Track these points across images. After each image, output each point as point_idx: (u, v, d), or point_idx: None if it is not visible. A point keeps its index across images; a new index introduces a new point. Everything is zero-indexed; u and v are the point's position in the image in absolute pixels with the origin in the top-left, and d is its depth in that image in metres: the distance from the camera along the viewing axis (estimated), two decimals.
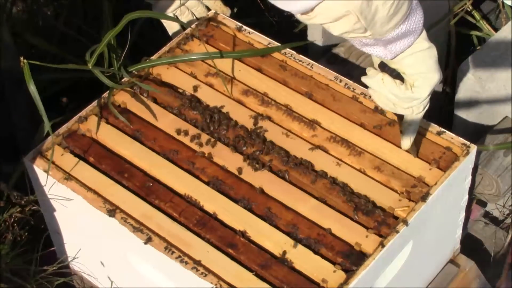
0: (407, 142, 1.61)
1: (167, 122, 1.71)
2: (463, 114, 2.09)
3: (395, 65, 1.52)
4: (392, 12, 1.39)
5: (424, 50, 1.49)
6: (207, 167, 1.63)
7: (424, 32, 1.48)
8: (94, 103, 1.75)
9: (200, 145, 1.66)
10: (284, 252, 1.49)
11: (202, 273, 1.47)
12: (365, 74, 1.59)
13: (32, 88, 1.70)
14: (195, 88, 1.77)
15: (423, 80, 1.52)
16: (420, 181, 1.58)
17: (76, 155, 1.68)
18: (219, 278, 1.47)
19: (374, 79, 1.57)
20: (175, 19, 1.86)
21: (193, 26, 1.88)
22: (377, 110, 1.70)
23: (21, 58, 1.68)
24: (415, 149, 1.63)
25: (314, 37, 2.28)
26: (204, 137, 1.67)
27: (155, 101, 1.75)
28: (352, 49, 2.15)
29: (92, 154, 1.67)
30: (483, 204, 2.03)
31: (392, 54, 1.48)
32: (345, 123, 1.68)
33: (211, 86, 1.77)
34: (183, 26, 1.89)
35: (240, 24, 1.87)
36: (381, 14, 1.38)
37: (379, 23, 1.39)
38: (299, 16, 1.39)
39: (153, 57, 1.82)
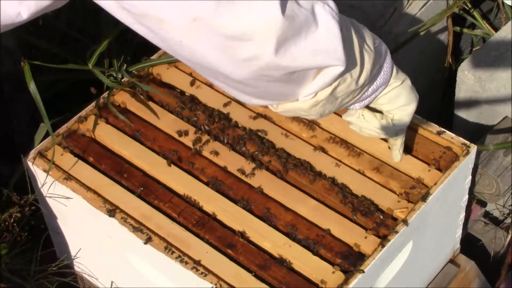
0: (397, 156, 1.60)
1: (166, 122, 1.71)
2: (463, 114, 2.09)
3: (371, 105, 1.52)
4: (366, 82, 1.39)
5: (397, 87, 1.48)
6: (207, 168, 1.63)
7: (395, 70, 1.46)
8: (94, 103, 1.75)
9: (200, 145, 1.66)
10: (283, 253, 1.49)
11: (202, 273, 1.48)
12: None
13: (33, 88, 1.70)
14: (195, 88, 1.77)
15: (401, 112, 1.52)
16: (419, 182, 1.58)
17: (76, 155, 1.68)
18: (219, 278, 1.47)
19: (355, 116, 1.55)
20: None
21: None
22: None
23: (22, 58, 1.68)
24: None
25: None
26: (204, 137, 1.67)
27: (154, 101, 1.75)
28: None
29: (91, 154, 1.67)
30: (483, 204, 2.03)
31: (360, 105, 1.49)
32: (344, 123, 1.68)
33: (211, 86, 1.77)
34: None
35: None
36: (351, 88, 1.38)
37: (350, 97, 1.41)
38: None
39: (153, 57, 1.82)
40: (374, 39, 1.38)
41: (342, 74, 1.31)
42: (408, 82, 1.50)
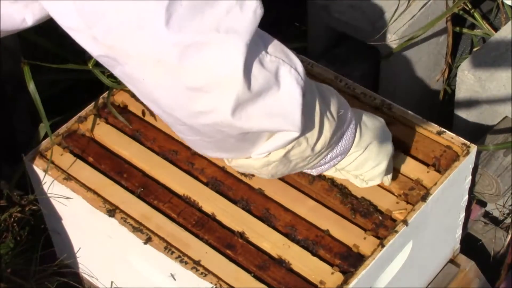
0: (387, 181, 1.57)
1: None
2: (463, 114, 2.09)
3: (338, 167, 1.49)
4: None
5: (362, 154, 1.46)
6: (206, 168, 1.63)
7: (357, 138, 1.43)
8: (94, 103, 1.75)
9: None
10: (282, 253, 1.49)
11: (202, 273, 1.48)
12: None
13: (32, 88, 1.70)
14: None
15: (371, 174, 1.50)
16: (418, 184, 1.58)
17: (75, 155, 1.68)
18: (219, 278, 1.47)
19: (331, 171, 1.53)
20: None
21: None
22: (377, 110, 1.70)
23: (22, 59, 1.68)
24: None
25: (314, 38, 2.28)
26: None
27: None
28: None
29: (91, 154, 1.67)
30: (483, 204, 2.03)
31: (318, 171, 1.47)
32: None
33: None
34: None
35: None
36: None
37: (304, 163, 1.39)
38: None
39: None
40: (340, 106, 1.35)
41: (296, 139, 1.29)
42: (374, 144, 1.46)
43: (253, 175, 1.60)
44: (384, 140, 1.49)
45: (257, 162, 1.32)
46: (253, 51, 1.14)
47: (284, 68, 1.18)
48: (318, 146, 1.34)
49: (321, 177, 1.59)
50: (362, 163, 1.47)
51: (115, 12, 1.07)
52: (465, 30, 2.40)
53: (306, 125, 1.27)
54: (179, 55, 1.09)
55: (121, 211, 1.57)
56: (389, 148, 1.50)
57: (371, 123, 1.47)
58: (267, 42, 1.19)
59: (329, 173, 1.53)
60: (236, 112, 1.17)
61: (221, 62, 1.11)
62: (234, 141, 1.26)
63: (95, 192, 1.60)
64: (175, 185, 1.61)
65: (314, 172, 1.48)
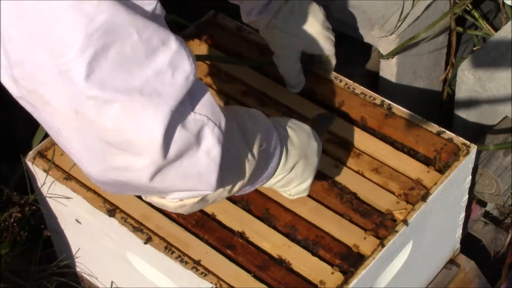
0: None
1: None
2: (463, 114, 2.09)
3: None
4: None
5: (287, 176, 1.41)
6: None
7: (282, 163, 1.37)
8: None
9: None
10: (282, 253, 1.49)
11: (202, 272, 1.48)
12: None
13: None
14: None
15: (297, 189, 1.47)
16: (418, 184, 1.58)
17: None
18: (219, 278, 1.47)
19: None
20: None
21: (192, 26, 1.88)
22: (377, 109, 1.70)
23: None
24: None
25: None
26: None
27: None
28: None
29: None
30: (483, 204, 2.03)
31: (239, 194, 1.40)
32: (343, 124, 1.68)
33: (210, 86, 1.77)
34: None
35: (240, 24, 1.87)
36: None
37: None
38: None
39: None
40: (263, 139, 1.30)
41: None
42: (300, 163, 1.41)
43: None
44: (310, 154, 1.43)
45: (171, 204, 1.26)
46: (177, 114, 1.09)
47: (207, 128, 1.13)
48: (235, 189, 1.30)
49: (321, 177, 1.60)
50: (288, 182, 1.43)
51: (34, 55, 1.02)
52: (465, 30, 2.40)
53: (224, 177, 1.22)
54: (97, 111, 1.04)
55: (121, 211, 1.57)
56: (314, 161, 1.45)
57: (297, 138, 1.41)
58: (195, 98, 1.13)
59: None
60: (153, 177, 1.12)
61: (140, 127, 1.06)
62: (146, 191, 1.22)
63: (95, 192, 1.60)
64: None
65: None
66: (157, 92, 1.05)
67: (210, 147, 1.14)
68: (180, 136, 1.09)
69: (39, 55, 1.01)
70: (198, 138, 1.12)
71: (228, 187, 1.28)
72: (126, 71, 1.03)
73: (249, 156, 1.27)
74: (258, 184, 1.37)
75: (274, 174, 1.37)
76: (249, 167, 1.28)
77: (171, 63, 1.06)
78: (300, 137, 1.41)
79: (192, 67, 1.08)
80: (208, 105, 1.13)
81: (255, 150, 1.28)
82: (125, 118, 1.04)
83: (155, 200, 1.26)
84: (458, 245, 1.84)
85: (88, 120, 1.05)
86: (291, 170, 1.40)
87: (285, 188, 1.45)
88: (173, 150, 1.09)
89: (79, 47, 0.99)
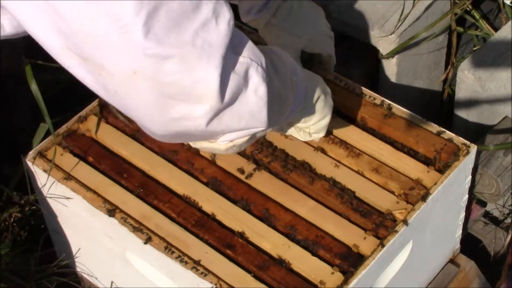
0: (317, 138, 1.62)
1: None
2: (463, 114, 2.09)
3: None
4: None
5: (309, 109, 1.51)
6: (206, 168, 1.63)
7: (309, 95, 1.48)
8: (94, 102, 1.75)
9: None
10: (282, 253, 1.49)
11: (202, 272, 1.48)
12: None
13: (34, 88, 1.70)
14: None
15: (316, 127, 1.55)
16: (418, 184, 1.58)
17: (75, 155, 1.68)
18: (219, 278, 1.47)
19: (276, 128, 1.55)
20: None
21: None
22: (377, 109, 1.70)
23: (23, 58, 1.68)
24: None
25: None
26: None
27: None
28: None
29: (91, 154, 1.67)
30: (483, 204, 2.03)
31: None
32: (344, 124, 1.68)
33: None
34: None
35: (240, 24, 1.87)
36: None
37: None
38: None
39: None
40: (292, 73, 1.38)
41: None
42: (321, 99, 1.51)
43: (253, 175, 1.60)
44: (327, 94, 1.53)
45: (222, 146, 1.34)
46: (227, 60, 1.17)
47: (252, 68, 1.22)
48: (281, 120, 1.39)
49: (321, 177, 1.60)
50: (310, 116, 1.52)
51: (91, 22, 1.08)
52: (465, 30, 2.40)
53: (271, 115, 1.30)
54: (156, 67, 1.12)
55: (121, 211, 1.57)
56: (331, 102, 1.55)
57: (314, 78, 1.51)
58: (237, 43, 1.21)
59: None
60: (211, 120, 1.21)
61: (197, 77, 1.14)
62: (201, 136, 1.29)
63: (95, 192, 1.60)
64: (175, 185, 1.61)
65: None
66: (208, 42, 1.13)
67: (257, 86, 1.22)
68: (232, 80, 1.18)
69: (95, 22, 1.08)
70: (245, 79, 1.21)
71: (273, 120, 1.33)
72: (177, 27, 1.10)
73: (285, 88, 1.35)
74: (291, 115, 1.44)
75: (303, 103, 1.45)
76: (286, 98, 1.36)
77: (214, 12, 1.13)
78: (315, 78, 1.51)
79: (230, 12, 1.16)
80: (248, 46, 1.22)
81: (288, 83, 1.36)
82: (182, 71, 1.13)
83: (205, 145, 1.34)
84: (458, 245, 1.84)
85: (147, 78, 1.12)
86: (316, 102, 1.49)
87: (307, 123, 1.52)
88: (228, 94, 1.18)
89: (133, 10, 1.06)
